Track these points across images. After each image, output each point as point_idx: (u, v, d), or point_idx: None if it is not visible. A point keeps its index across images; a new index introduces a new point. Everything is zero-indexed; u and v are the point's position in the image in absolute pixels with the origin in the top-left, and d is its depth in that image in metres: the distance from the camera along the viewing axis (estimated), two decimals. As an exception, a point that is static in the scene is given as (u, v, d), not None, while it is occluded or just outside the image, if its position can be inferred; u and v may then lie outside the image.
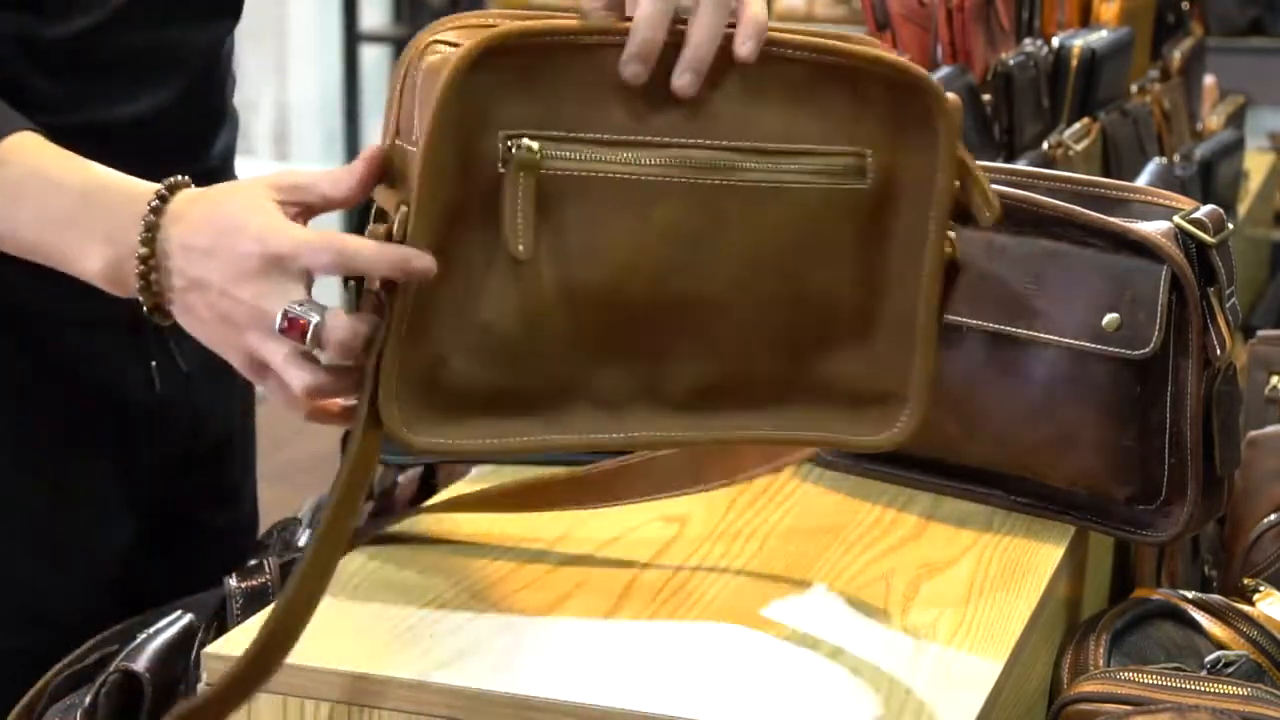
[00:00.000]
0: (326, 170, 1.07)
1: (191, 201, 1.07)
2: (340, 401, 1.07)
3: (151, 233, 1.06)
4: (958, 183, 1.09)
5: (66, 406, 1.30)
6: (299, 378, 1.03)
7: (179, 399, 1.37)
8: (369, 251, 1.02)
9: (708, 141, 1.04)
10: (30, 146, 1.11)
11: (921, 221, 1.09)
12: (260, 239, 1.02)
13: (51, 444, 1.30)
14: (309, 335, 1.02)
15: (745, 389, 1.10)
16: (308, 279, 1.03)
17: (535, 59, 1.00)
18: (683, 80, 1.02)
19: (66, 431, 1.31)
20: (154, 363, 1.34)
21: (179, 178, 1.08)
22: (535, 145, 1.00)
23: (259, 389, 1.12)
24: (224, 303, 1.04)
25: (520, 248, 1.01)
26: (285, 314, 1.02)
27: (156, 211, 1.06)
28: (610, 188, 1.03)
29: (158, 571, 1.40)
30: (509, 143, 1.01)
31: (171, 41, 1.30)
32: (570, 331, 1.05)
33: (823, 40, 1.08)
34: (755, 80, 1.05)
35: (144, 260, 1.06)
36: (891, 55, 1.08)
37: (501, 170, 1.01)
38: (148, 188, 1.08)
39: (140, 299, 1.07)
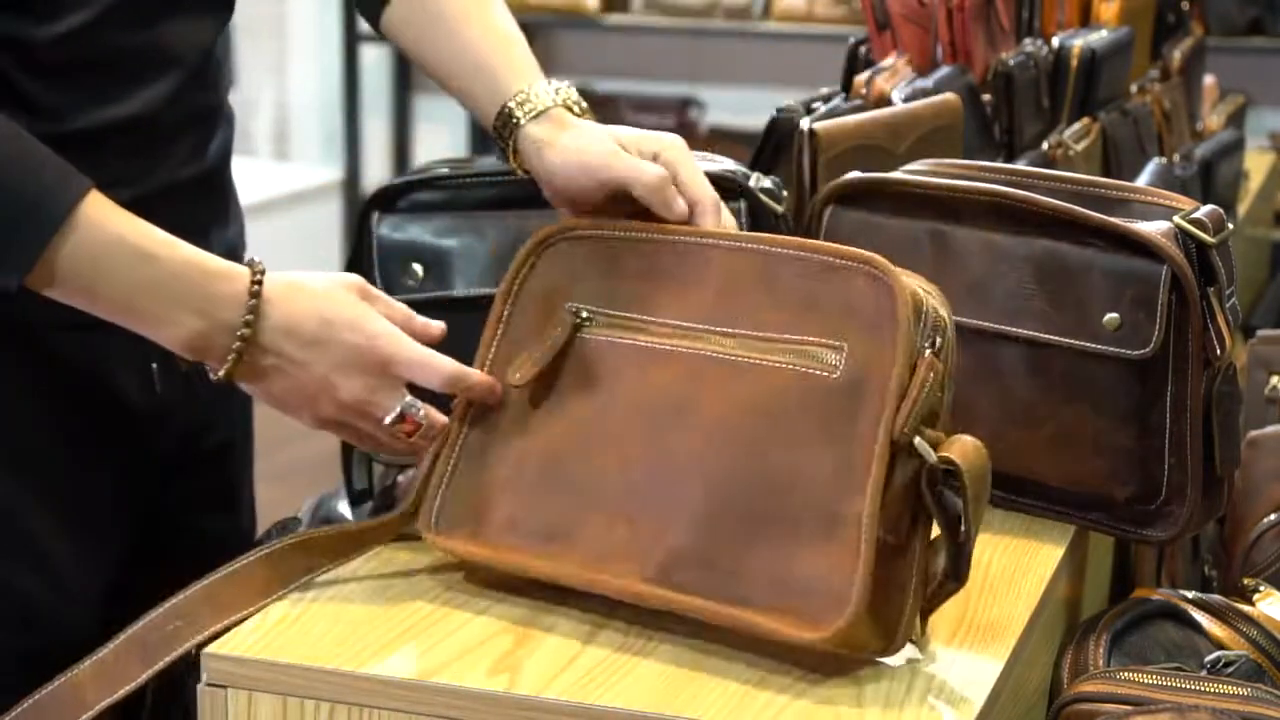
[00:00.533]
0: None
1: (290, 287, 1.17)
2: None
3: (253, 315, 1.15)
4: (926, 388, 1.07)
5: (66, 410, 1.30)
6: (396, 450, 1.22)
7: (179, 401, 1.37)
8: (480, 386, 1.19)
9: (719, 328, 1.15)
10: (107, 211, 1.15)
11: (874, 421, 1.06)
12: (370, 341, 1.17)
13: (50, 447, 1.30)
14: (419, 431, 1.19)
15: (708, 558, 1.10)
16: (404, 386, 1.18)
17: (600, 247, 1.21)
18: None
19: (65, 435, 1.30)
20: (154, 365, 1.34)
21: (254, 259, 1.17)
22: (586, 314, 1.20)
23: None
24: (319, 385, 1.17)
25: (518, 376, 1.19)
26: (402, 412, 1.18)
27: (256, 295, 1.15)
28: (628, 352, 1.17)
29: (155, 576, 1.40)
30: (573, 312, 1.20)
31: (163, 40, 1.29)
32: (576, 475, 1.15)
33: (815, 243, 1.18)
34: (766, 278, 1.14)
35: (244, 339, 1.15)
36: (873, 256, 1.11)
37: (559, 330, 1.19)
38: (239, 269, 1.16)
39: (218, 368, 1.16)
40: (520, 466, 1.17)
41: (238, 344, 1.14)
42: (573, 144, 1.25)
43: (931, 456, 1.05)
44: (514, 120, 1.28)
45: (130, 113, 1.27)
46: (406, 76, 5.65)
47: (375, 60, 5.64)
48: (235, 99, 1.44)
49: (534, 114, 1.28)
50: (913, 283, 1.10)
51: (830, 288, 1.11)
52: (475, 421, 1.20)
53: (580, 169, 1.24)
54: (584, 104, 1.30)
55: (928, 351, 1.07)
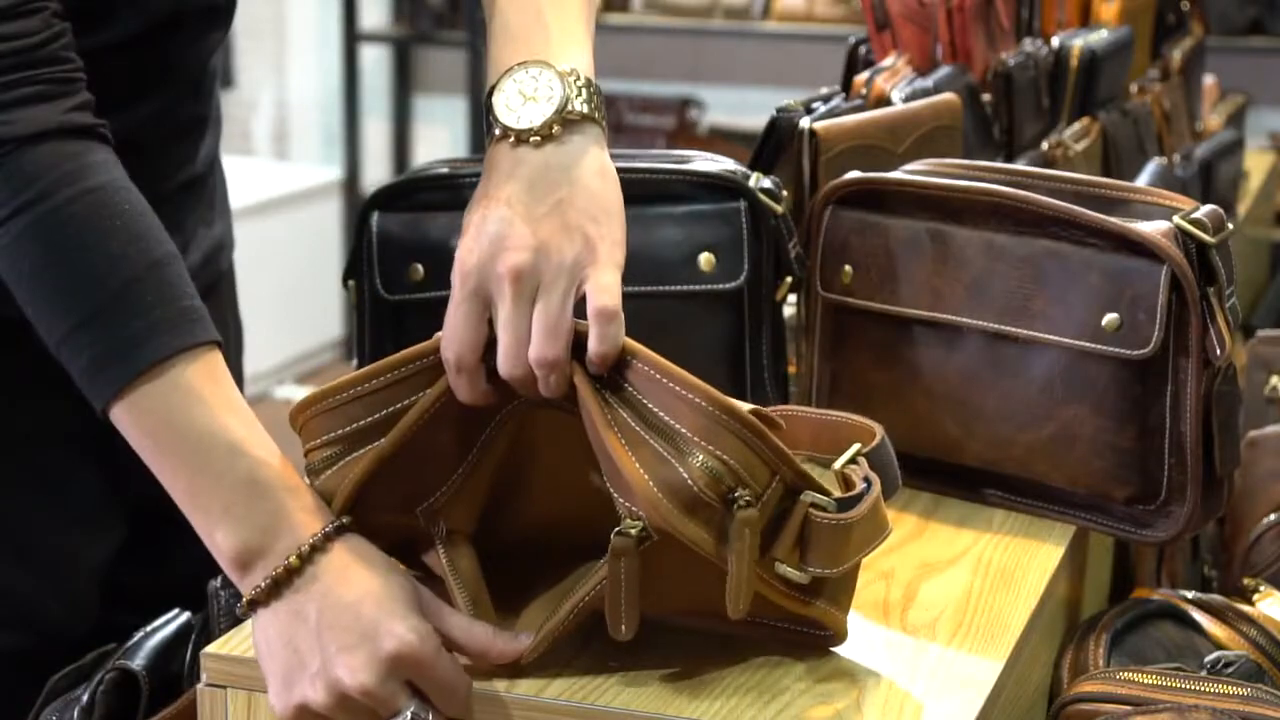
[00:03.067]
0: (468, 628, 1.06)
1: (359, 553, 1.05)
2: None
3: (314, 552, 1.04)
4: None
5: (51, 407, 1.30)
6: None
7: None
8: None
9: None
10: (219, 372, 1.06)
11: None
12: (400, 644, 1.01)
13: (37, 445, 1.30)
14: None
15: None
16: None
17: None
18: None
19: (54, 433, 1.30)
20: None
21: (346, 519, 1.06)
22: None
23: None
24: (334, 667, 1.02)
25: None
26: (413, 714, 1.02)
27: (328, 538, 1.04)
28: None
29: (144, 571, 1.40)
30: None
31: (166, 58, 1.29)
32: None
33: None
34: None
35: (290, 570, 1.03)
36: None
37: None
38: (317, 517, 1.05)
39: (249, 593, 1.04)
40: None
41: (280, 572, 1.03)
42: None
43: (794, 575, 1.02)
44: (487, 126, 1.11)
45: (122, 126, 1.27)
46: (406, 76, 5.65)
47: (375, 60, 5.64)
48: (235, 99, 1.45)
49: (489, 131, 1.09)
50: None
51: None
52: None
53: None
54: (524, 127, 1.06)
55: (736, 509, 1.00)
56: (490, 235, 1.03)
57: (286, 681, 1.03)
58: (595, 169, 1.05)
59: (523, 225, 1.03)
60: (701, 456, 0.98)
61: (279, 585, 1.03)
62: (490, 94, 1.07)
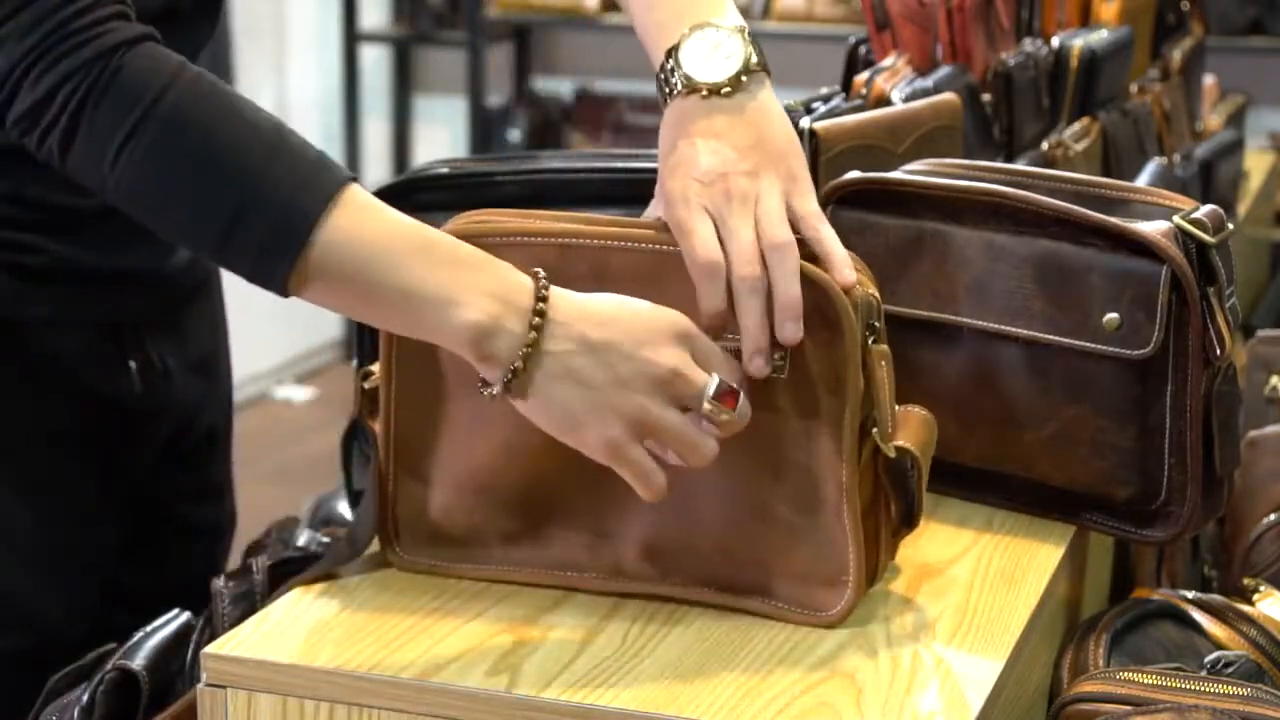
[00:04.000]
0: None
1: (570, 292, 1.07)
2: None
3: (545, 297, 1.05)
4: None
5: (46, 408, 1.30)
6: (708, 448, 1.07)
7: (161, 397, 1.37)
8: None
9: None
10: (373, 199, 1.08)
11: (838, 419, 1.11)
12: (669, 312, 1.06)
13: (32, 445, 1.30)
14: (738, 408, 1.06)
15: (691, 554, 1.14)
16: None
17: None
18: (755, 363, 1.09)
19: (48, 433, 1.31)
20: (132, 363, 1.34)
21: (541, 271, 1.08)
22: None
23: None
24: (628, 364, 1.04)
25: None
26: (721, 382, 1.06)
27: (546, 282, 1.06)
28: None
29: (142, 570, 1.40)
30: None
31: None
32: (539, 479, 1.14)
33: None
34: None
35: (539, 314, 1.05)
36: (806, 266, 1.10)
37: None
38: (512, 269, 1.07)
39: (507, 364, 1.05)
40: (471, 478, 1.16)
41: (535, 321, 1.04)
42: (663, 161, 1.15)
43: (889, 450, 1.12)
44: (664, 92, 1.17)
45: None
46: (406, 76, 5.66)
47: (375, 60, 5.64)
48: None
49: (671, 94, 1.15)
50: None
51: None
52: (401, 444, 1.17)
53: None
54: (723, 81, 1.14)
55: (870, 341, 1.11)
56: (710, 164, 1.12)
57: (603, 420, 1.05)
58: (778, 113, 1.16)
59: (734, 154, 1.12)
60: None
61: (537, 342, 1.04)
62: (671, 55, 1.15)
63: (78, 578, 1.34)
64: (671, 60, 1.15)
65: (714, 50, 1.15)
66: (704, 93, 1.14)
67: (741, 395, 1.07)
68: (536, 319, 1.05)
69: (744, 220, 1.10)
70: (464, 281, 1.05)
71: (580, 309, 1.06)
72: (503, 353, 1.05)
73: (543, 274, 1.07)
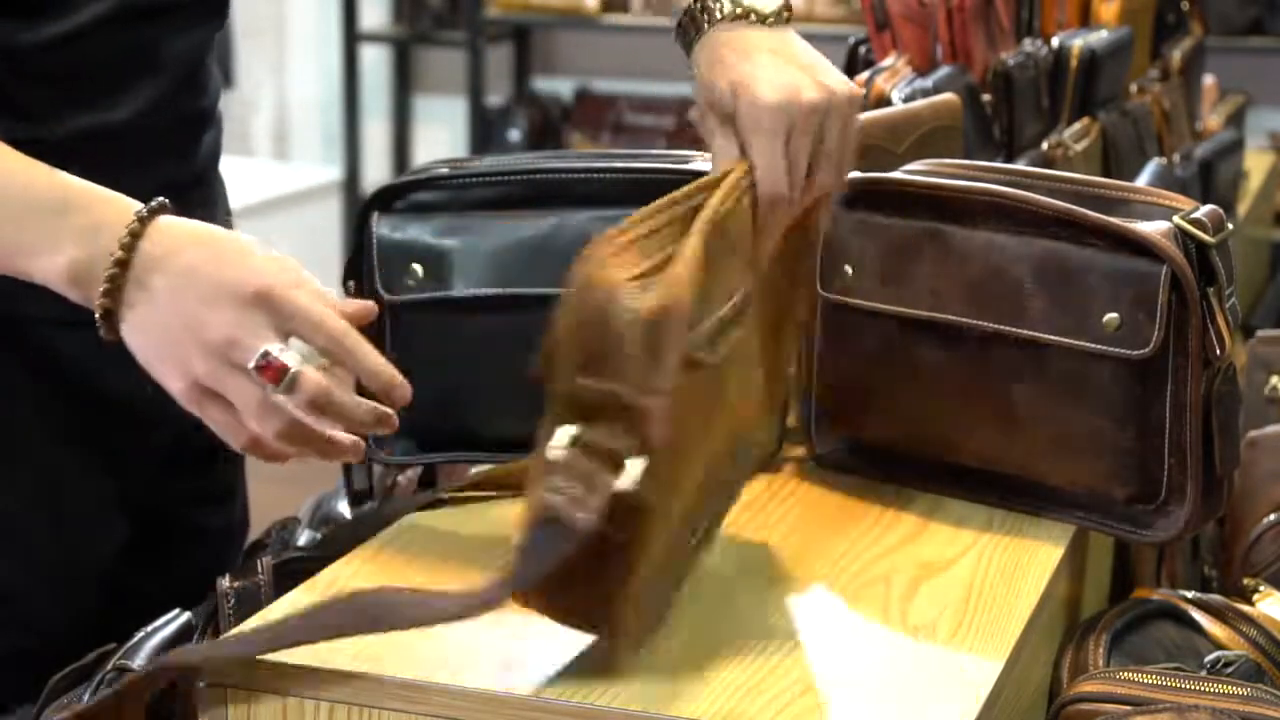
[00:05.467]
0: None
1: (185, 225, 1.09)
2: (288, 454, 1.09)
3: (134, 239, 1.07)
4: None
5: (53, 408, 1.30)
6: (276, 417, 1.04)
7: (170, 399, 1.37)
8: (368, 361, 1.06)
9: None
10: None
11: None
12: (258, 273, 1.05)
13: (39, 446, 1.30)
14: (283, 381, 1.04)
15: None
16: (283, 338, 1.05)
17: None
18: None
19: (58, 433, 1.30)
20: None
21: (164, 200, 1.09)
22: None
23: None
24: (193, 319, 1.05)
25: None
26: (265, 354, 1.03)
27: (143, 222, 1.07)
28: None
29: (147, 573, 1.40)
30: None
31: (153, 46, 1.29)
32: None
33: None
34: None
35: (119, 264, 1.06)
36: None
37: None
38: (128, 200, 1.09)
39: (97, 304, 1.07)
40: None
41: (111, 269, 1.06)
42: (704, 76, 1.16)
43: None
44: (694, 31, 1.18)
45: (118, 119, 1.26)
46: (406, 76, 5.66)
47: (375, 60, 5.64)
48: (235, 99, 1.45)
49: (693, 42, 1.18)
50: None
51: None
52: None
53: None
54: (771, 9, 1.18)
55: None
56: (781, 80, 1.12)
57: (175, 368, 1.06)
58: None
59: (800, 73, 1.14)
60: None
61: (117, 282, 1.06)
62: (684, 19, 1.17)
63: (81, 580, 1.34)
64: None
65: None
66: (754, 18, 1.16)
67: (293, 373, 1.03)
68: (113, 268, 1.06)
69: (809, 138, 1.13)
70: (55, 227, 1.07)
71: (169, 253, 1.06)
72: (94, 291, 1.07)
73: (145, 211, 1.08)
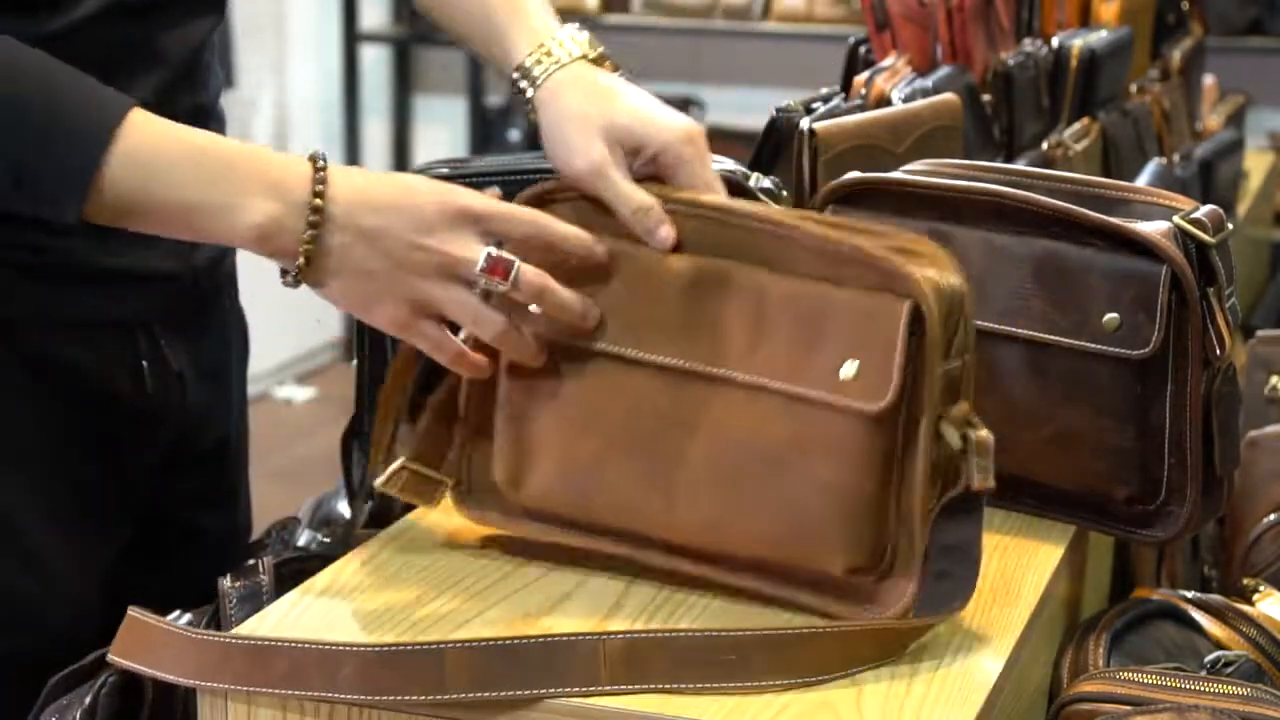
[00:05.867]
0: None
1: (347, 169, 1.13)
2: (486, 361, 1.17)
3: (323, 186, 1.10)
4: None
5: (55, 409, 1.30)
6: (493, 320, 1.12)
7: (172, 400, 1.37)
8: (573, 236, 1.14)
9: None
10: (152, 120, 1.12)
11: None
12: (446, 195, 1.11)
13: (44, 446, 1.30)
14: (511, 276, 1.11)
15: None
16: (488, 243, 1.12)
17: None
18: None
19: (60, 434, 1.30)
20: (145, 363, 1.33)
21: (316, 151, 1.13)
22: None
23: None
24: (402, 250, 1.10)
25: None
26: (488, 255, 1.10)
27: (323, 170, 1.11)
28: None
29: (148, 574, 1.40)
30: None
31: (153, 37, 1.29)
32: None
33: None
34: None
35: (317, 211, 1.09)
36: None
37: None
38: (296, 156, 1.12)
39: (294, 258, 1.10)
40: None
41: (311, 216, 1.09)
42: (557, 144, 1.20)
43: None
44: (523, 93, 1.24)
45: None
46: (406, 76, 5.65)
47: (375, 60, 5.64)
48: (235, 99, 1.45)
49: (537, 85, 1.23)
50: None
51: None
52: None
53: (566, 170, 1.20)
54: (598, 48, 1.25)
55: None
56: (670, 112, 1.21)
57: (388, 302, 1.11)
58: None
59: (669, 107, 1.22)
60: None
61: (318, 235, 1.09)
62: (539, 48, 1.24)
63: (81, 580, 1.34)
64: (561, 34, 1.24)
65: (574, 37, 1.25)
66: (593, 59, 1.24)
67: (517, 265, 1.11)
68: (314, 216, 1.09)
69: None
70: (239, 185, 1.10)
71: (359, 197, 1.10)
72: (288, 248, 1.10)
73: (321, 159, 1.11)
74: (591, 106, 1.20)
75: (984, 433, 1.09)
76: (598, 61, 1.24)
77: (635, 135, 1.19)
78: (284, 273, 1.12)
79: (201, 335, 1.41)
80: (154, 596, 1.23)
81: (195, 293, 1.38)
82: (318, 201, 1.09)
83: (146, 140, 1.10)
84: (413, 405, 1.22)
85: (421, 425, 1.21)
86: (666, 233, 1.15)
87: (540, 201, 1.17)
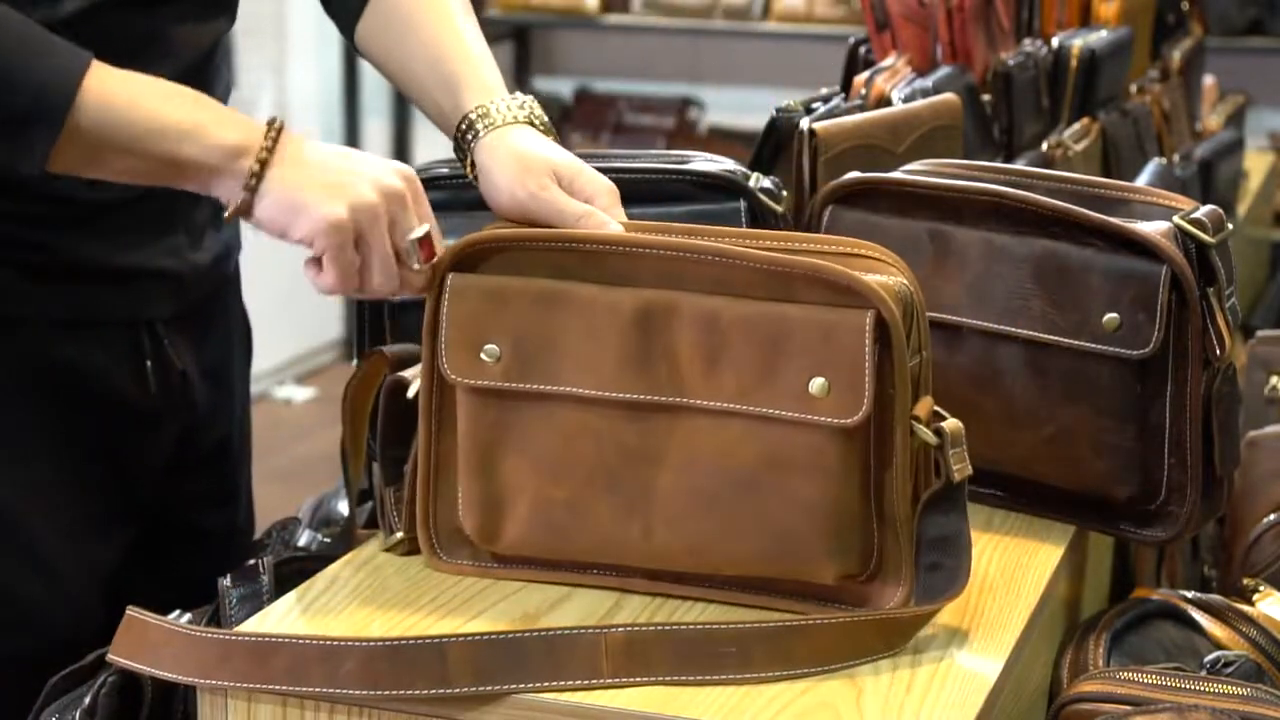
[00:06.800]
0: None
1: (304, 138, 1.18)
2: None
3: (281, 125, 1.15)
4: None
5: (62, 409, 1.30)
6: (393, 279, 1.15)
7: (176, 400, 1.37)
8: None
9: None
10: (115, 72, 1.14)
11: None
12: (405, 166, 1.17)
13: (47, 447, 1.30)
14: (430, 263, 1.15)
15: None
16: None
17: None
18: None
19: (62, 435, 1.30)
20: (149, 363, 1.33)
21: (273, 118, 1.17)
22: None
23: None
24: (361, 169, 1.15)
25: None
26: (428, 230, 1.15)
27: (280, 123, 1.16)
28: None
29: (152, 576, 1.40)
30: None
31: (161, 31, 1.29)
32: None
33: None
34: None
35: (278, 132, 1.14)
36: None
37: None
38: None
39: (245, 176, 1.13)
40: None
41: (273, 136, 1.14)
42: (504, 173, 1.23)
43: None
44: (474, 132, 1.28)
45: None
46: (406, 76, 5.65)
47: (375, 60, 5.64)
48: (235, 99, 1.44)
49: (490, 128, 1.27)
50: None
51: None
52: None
53: (509, 199, 1.22)
54: (546, 120, 1.30)
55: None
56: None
57: (341, 196, 1.13)
58: None
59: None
60: None
61: (276, 143, 1.13)
62: (491, 102, 1.30)
63: (84, 580, 1.34)
64: (511, 97, 1.31)
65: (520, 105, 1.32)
66: (540, 124, 1.29)
67: (437, 259, 1.15)
68: (274, 134, 1.14)
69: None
70: (210, 117, 1.14)
71: (319, 144, 1.17)
72: (248, 165, 1.13)
73: (279, 119, 1.16)
74: (531, 149, 1.24)
75: (952, 421, 1.10)
76: (539, 127, 1.29)
77: (565, 178, 1.22)
78: (250, 180, 1.13)
79: (205, 334, 1.41)
80: (155, 598, 1.23)
81: (197, 291, 1.39)
82: (275, 133, 1.14)
83: (114, 82, 1.13)
84: (385, 458, 1.23)
85: (406, 494, 1.21)
86: (612, 231, 1.17)
87: (470, 257, 1.16)
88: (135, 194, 1.25)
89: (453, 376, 1.15)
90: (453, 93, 1.31)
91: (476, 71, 1.32)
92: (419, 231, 1.15)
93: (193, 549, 1.45)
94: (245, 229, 1.52)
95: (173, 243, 1.35)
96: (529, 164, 1.22)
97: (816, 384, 1.07)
